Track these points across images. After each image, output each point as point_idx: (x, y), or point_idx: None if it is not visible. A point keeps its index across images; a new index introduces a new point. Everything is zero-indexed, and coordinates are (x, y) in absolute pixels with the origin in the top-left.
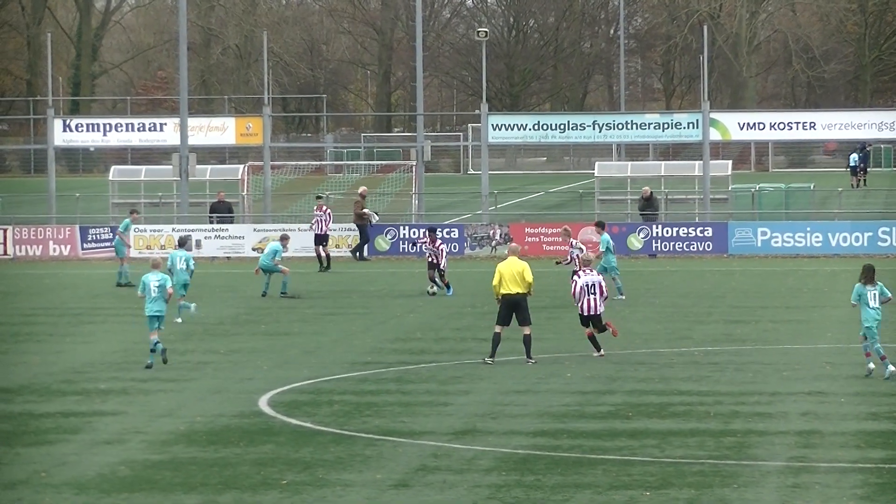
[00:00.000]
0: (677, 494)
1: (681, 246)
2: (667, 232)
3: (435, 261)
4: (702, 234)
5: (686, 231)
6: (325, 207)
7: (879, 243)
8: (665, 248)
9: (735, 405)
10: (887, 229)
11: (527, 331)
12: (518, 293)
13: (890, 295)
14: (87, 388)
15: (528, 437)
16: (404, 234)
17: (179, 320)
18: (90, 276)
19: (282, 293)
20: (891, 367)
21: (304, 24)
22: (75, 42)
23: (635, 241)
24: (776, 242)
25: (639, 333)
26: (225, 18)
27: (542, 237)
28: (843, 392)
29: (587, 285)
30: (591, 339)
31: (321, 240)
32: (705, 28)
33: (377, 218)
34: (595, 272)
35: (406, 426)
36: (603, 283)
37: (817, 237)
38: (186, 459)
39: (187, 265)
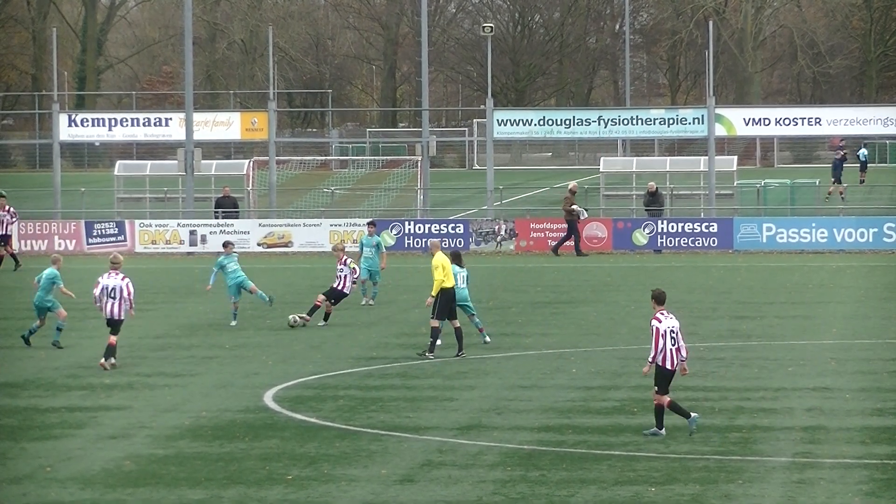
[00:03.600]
0: (682, 490)
1: (686, 241)
2: (672, 227)
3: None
4: (707, 230)
5: (691, 226)
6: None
7: (885, 239)
8: (670, 243)
9: (740, 401)
10: (893, 225)
11: (458, 324)
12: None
13: None
14: (92, 382)
15: (533, 432)
16: (409, 230)
17: (234, 323)
18: (95, 272)
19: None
20: None
21: (309, 19)
22: (80, 37)
23: (640, 237)
24: (781, 238)
25: (644, 329)
26: (230, 13)
27: (547, 232)
28: (848, 388)
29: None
30: (674, 407)
31: None
32: (711, 23)
33: (586, 214)
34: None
35: (411, 421)
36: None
37: (822, 233)
38: (192, 454)
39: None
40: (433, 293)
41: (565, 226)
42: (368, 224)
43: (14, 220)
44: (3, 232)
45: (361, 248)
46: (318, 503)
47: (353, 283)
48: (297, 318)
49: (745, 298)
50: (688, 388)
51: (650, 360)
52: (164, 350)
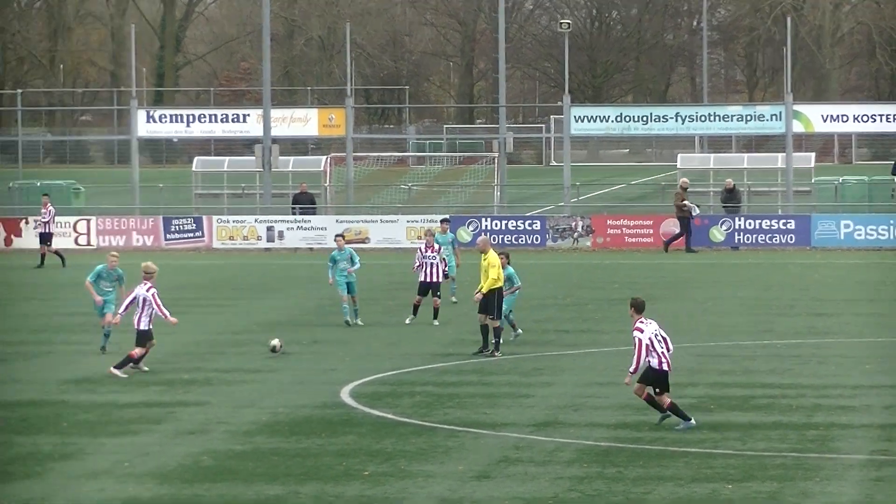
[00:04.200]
0: (759, 488)
1: (763, 238)
2: (749, 224)
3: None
4: (784, 227)
5: (769, 223)
6: None
7: None
8: (747, 240)
9: (817, 398)
10: None
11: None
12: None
13: None
14: (170, 378)
15: (610, 429)
16: (486, 226)
17: (348, 319)
18: (173, 267)
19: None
20: None
21: (387, 16)
22: (159, 33)
23: (718, 234)
24: (859, 235)
25: (721, 326)
26: (308, 10)
27: (623, 229)
28: None
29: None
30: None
31: None
32: (789, 20)
33: (698, 210)
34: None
35: (488, 418)
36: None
37: None
38: (269, 450)
39: (353, 261)
40: (484, 289)
41: (643, 222)
42: (442, 221)
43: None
44: (46, 231)
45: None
46: (395, 499)
47: (444, 275)
48: (279, 345)
49: (822, 296)
50: (765, 385)
51: (631, 370)
52: (242, 346)
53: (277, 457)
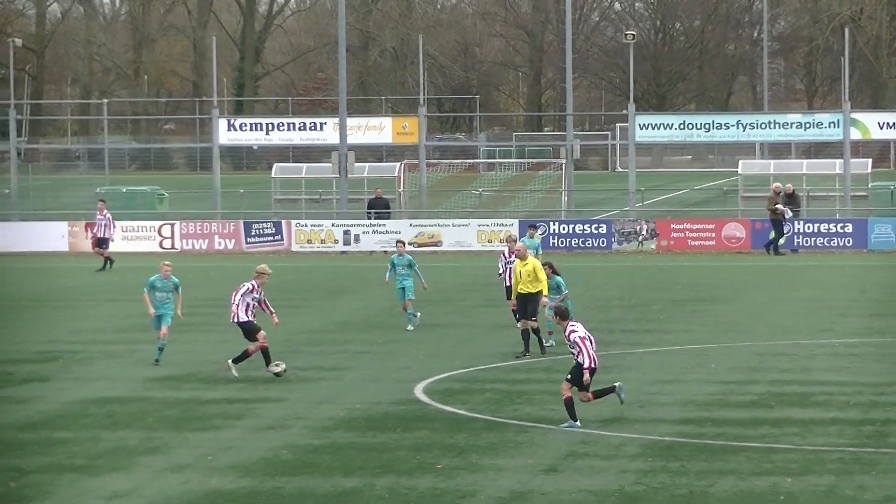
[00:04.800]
0: (818, 481)
1: (822, 241)
2: (808, 228)
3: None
4: (842, 230)
5: (827, 227)
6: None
7: None
8: (806, 243)
9: (874, 395)
10: None
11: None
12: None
13: None
14: (251, 376)
15: (674, 424)
16: (554, 230)
17: (410, 328)
18: (248, 271)
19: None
20: None
21: (457, 27)
22: (239, 45)
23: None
24: None
25: (781, 325)
26: (382, 22)
27: (687, 233)
28: None
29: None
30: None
31: None
32: (846, 30)
33: (790, 213)
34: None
35: (556, 414)
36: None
37: None
38: (345, 444)
39: (410, 266)
40: (545, 293)
41: (705, 226)
42: (530, 227)
43: (110, 224)
44: (102, 235)
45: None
46: (467, 492)
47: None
48: (275, 369)
49: (879, 297)
50: (823, 382)
51: (587, 367)
52: (319, 345)
53: (354, 451)
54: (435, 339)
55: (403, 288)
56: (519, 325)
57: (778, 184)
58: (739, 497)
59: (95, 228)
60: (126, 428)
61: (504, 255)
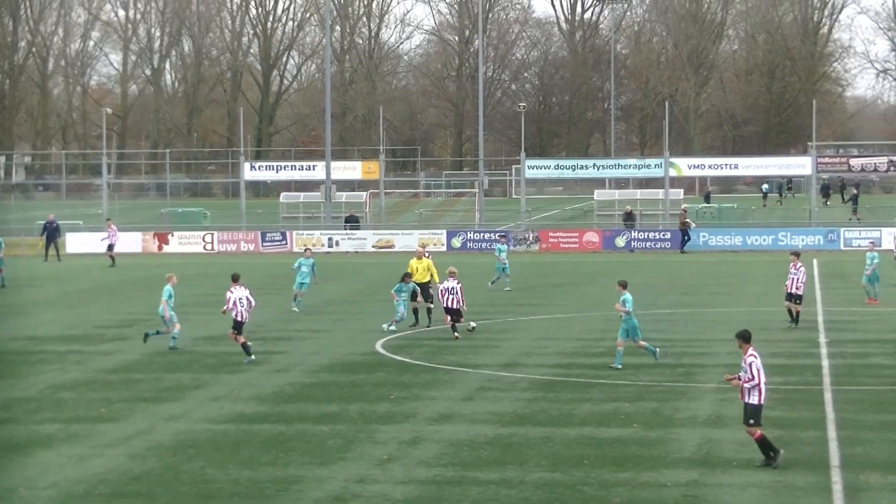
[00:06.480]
0: (646, 405)
1: (650, 245)
2: (641, 235)
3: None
4: (664, 237)
5: (654, 235)
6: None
7: (779, 242)
8: (640, 246)
9: (685, 347)
10: (785, 233)
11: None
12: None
13: None
14: (265, 336)
15: (551, 368)
16: (470, 237)
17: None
18: (268, 265)
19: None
20: None
21: (406, 101)
22: (258, 112)
23: (620, 242)
24: (714, 242)
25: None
26: (355, 96)
27: (560, 239)
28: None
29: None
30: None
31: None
32: (666, 103)
33: (694, 224)
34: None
35: (471, 360)
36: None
37: (738, 239)
38: (329, 382)
39: (312, 268)
40: (437, 283)
41: (572, 234)
42: (501, 236)
43: (115, 234)
44: (111, 242)
45: (499, 253)
46: (410, 414)
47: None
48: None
49: (689, 281)
50: (650, 339)
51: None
52: (312, 314)
53: (334, 386)
54: (389, 311)
55: (303, 283)
56: (413, 304)
57: (686, 205)
58: (594, 416)
59: (108, 238)
60: (180, 371)
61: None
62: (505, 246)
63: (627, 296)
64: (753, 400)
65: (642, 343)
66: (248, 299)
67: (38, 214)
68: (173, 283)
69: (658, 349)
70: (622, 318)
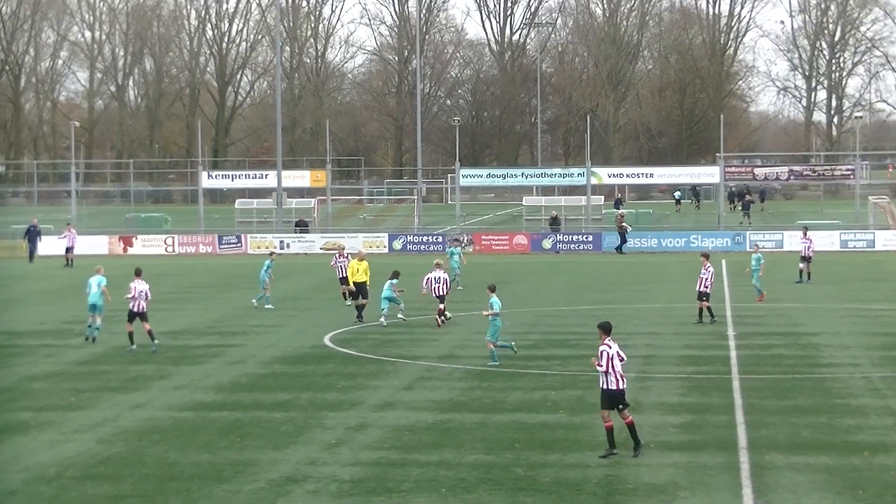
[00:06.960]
0: (571, 393)
1: (574, 246)
2: (566, 238)
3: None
4: (586, 240)
5: (577, 237)
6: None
7: (691, 244)
8: (565, 248)
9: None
10: (697, 236)
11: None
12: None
13: None
14: (223, 331)
15: (483, 359)
16: (410, 240)
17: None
18: (225, 265)
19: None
20: None
21: (350, 115)
22: (214, 125)
23: (546, 244)
24: (633, 244)
25: (549, 297)
26: (304, 110)
27: (492, 241)
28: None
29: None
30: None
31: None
32: (588, 117)
33: (630, 228)
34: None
35: (411, 352)
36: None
37: (654, 241)
38: (281, 373)
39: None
40: (363, 280)
41: (502, 237)
42: (454, 240)
43: (74, 237)
44: (70, 245)
45: (451, 255)
46: (356, 402)
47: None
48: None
49: (610, 280)
50: (574, 333)
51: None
52: (265, 311)
53: (286, 377)
54: (337, 308)
55: (265, 279)
56: (349, 302)
57: (623, 211)
58: (524, 403)
59: (65, 240)
60: (144, 363)
61: (336, 256)
62: (458, 249)
63: (495, 299)
64: (609, 386)
65: (495, 345)
66: (146, 293)
67: (11, 220)
68: (101, 274)
69: (514, 342)
70: (490, 319)
